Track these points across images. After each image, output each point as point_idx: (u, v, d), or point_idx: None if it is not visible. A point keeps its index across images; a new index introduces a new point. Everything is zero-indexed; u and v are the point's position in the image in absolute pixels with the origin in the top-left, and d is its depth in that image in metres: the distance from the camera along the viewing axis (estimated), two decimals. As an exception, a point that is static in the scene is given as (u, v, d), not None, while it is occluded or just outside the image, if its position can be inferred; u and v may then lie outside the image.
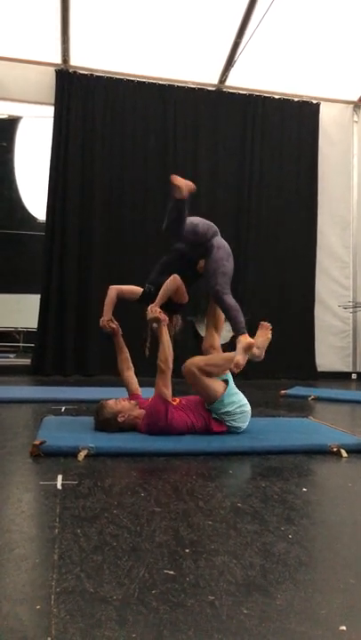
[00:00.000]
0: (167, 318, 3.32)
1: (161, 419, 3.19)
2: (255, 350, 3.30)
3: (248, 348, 3.24)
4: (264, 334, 3.40)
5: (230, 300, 3.36)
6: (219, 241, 3.48)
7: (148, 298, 3.44)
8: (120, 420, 3.25)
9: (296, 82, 6.94)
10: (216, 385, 3.31)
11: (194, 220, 3.46)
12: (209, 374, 3.30)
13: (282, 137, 7.15)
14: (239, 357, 3.22)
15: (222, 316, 3.58)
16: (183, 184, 3.28)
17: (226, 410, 3.30)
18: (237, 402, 3.34)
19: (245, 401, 3.39)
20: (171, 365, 3.23)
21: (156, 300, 3.36)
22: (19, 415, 4.10)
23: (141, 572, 1.60)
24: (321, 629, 1.36)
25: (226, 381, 3.37)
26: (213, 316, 3.61)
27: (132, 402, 3.36)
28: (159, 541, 1.84)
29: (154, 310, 3.30)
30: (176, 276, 3.40)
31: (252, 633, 1.33)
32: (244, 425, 3.36)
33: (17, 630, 1.31)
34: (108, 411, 3.27)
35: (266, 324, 3.43)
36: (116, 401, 3.32)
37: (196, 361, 3.32)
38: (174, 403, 3.29)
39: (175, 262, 3.54)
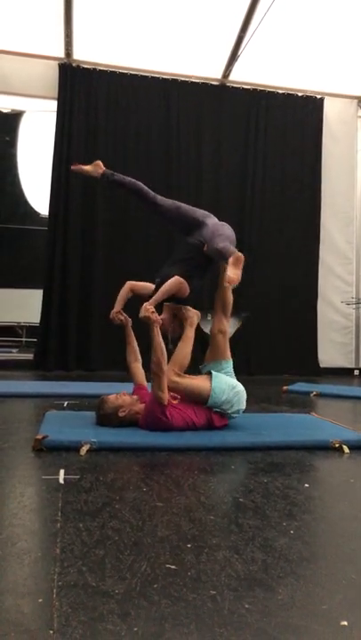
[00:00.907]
0: (160, 320, 3.21)
1: (158, 420, 3.18)
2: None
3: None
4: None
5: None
6: (213, 219, 3.53)
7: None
8: (121, 414, 3.25)
9: (300, 77, 6.91)
10: (201, 382, 3.31)
11: (178, 202, 3.55)
12: (184, 368, 3.30)
13: (285, 132, 7.12)
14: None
15: (231, 300, 3.55)
16: None
17: (223, 399, 3.28)
18: (229, 386, 3.32)
19: (236, 381, 3.38)
20: (164, 368, 3.16)
21: (152, 299, 3.28)
22: (21, 410, 4.11)
23: (143, 567, 1.61)
24: (322, 624, 1.36)
25: (209, 373, 3.35)
26: (222, 301, 3.56)
27: (134, 397, 3.36)
28: (161, 536, 1.84)
29: (147, 309, 3.19)
30: (177, 277, 3.32)
31: (253, 627, 1.33)
32: (243, 405, 3.37)
33: (19, 623, 1.31)
34: (108, 405, 3.27)
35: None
36: (117, 396, 3.32)
37: (169, 371, 3.24)
38: (174, 401, 3.27)
39: (183, 253, 3.52)
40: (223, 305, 3.55)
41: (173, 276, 3.35)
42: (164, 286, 3.32)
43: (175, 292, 3.34)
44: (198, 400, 3.29)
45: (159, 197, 3.57)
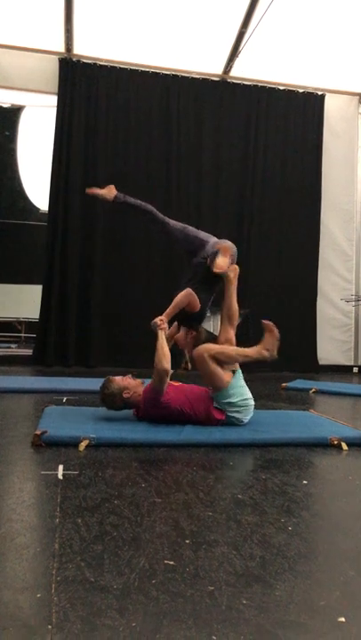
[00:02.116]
0: (167, 328, 3.38)
1: (155, 401, 3.26)
2: (265, 352, 3.40)
3: (225, 250, 3.46)
4: (271, 335, 3.45)
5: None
6: (215, 239, 3.73)
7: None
8: (125, 395, 3.31)
9: (301, 73, 6.89)
10: (223, 374, 3.35)
11: (185, 225, 3.80)
12: (219, 363, 3.34)
13: (286, 128, 7.11)
14: (218, 259, 3.41)
15: (236, 309, 3.62)
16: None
17: (229, 400, 3.32)
18: (242, 394, 3.37)
19: (250, 395, 3.42)
20: (165, 366, 3.22)
21: (165, 313, 3.42)
22: (20, 405, 4.11)
23: (141, 562, 1.61)
24: (320, 620, 1.37)
25: (234, 372, 3.40)
26: (227, 310, 3.62)
27: (138, 380, 3.41)
28: (159, 532, 1.84)
29: (159, 319, 3.36)
30: (188, 289, 3.48)
31: (250, 623, 1.34)
32: (245, 418, 3.37)
33: (18, 618, 1.32)
34: (114, 385, 3.34)
35: (269, 323, 3.45)
36: (123, 378, 3.39)
37: (210, 347, 3.38)
38: (176, 384, 3.37)
39: (189, 274, 3.67)
40: (229, 314, 3.62)
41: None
42: (175, 299, 3.47)
43: (186, 304, 3.47)
44: (210, 384, 3.36)
45: (167, 219, 3.77)
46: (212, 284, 3.63)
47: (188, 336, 3.57)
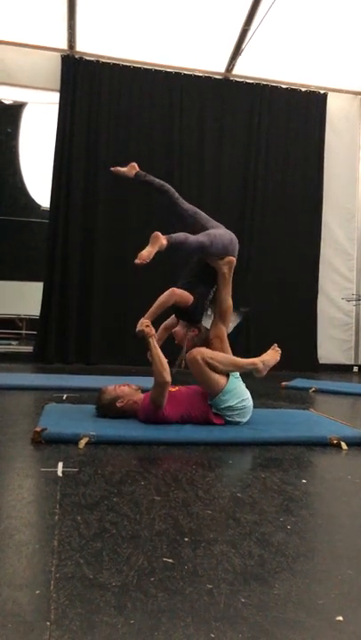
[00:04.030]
0: (154, 333, 3.25)
1: (155, 416, 3.20)
2: (260, 365, 3.37)
3: (154, 239, 3.30)
4: (273, 355, 3.47)
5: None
6: (221, 229, 3.63)
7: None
8: (119, 405, 3.28)
9: (304, 72, 6.87)
10: (218, 378, 3.29)
11: (197, 209, 3.70)
12: (212, 369, 3.27)
13: (288, 127, 7.10)
14: (145, 250, 3.26)
15: (229, 305, 3.56)
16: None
17: (227, 405, 3.28)
18: (239, 396, 3.32)
19: (247, 395, 3.38)
20: (167, 379, 3.13)
21: (147, 314, 3.32)
22: (20, 402, 4.12)
23: (140, 560, 1.61)
24: (318, 619, 1.37)
25: (228, 375, 3.35)
26: (219, 305, 3.56)
27: (133, 386, 3.37)
28: (158, 529, 1.85)
29: (142, 323, 3.23)
30: (172, 289, 3.39)
31: (249, 621, 1.34)
32: (244, 419, 3.35)
33: (17, 615, 1.32)
34: (106, 396, 3.31)
35: (277, 348, 3.51)
36: (116, 386, 3.36)
37: (204, 351, 3.30)
38: (173, 389, 3.29)
39: (192, 263, 3.65)
40: (220, 310, 3.55)
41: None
42: (158, 299, 3.37)
43: (170, 303, 3.38)
44: (205, 389, 3.31)
45: (182, 201, 3.72)
46: (210, 277, 3.53)
47: (189, 333, 3.49)
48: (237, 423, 3.33)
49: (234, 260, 3.53)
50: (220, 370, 3.31)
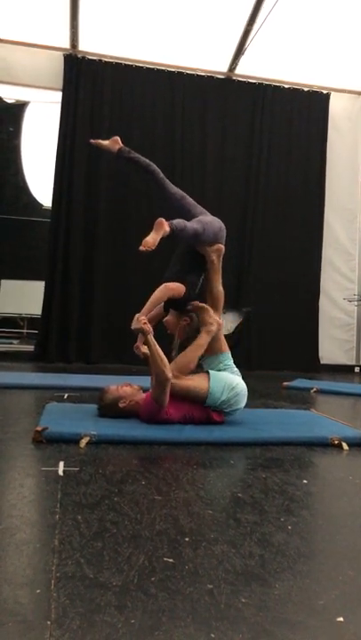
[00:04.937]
0: (151, 330, 3.18)
1: (157, 417, 3.19)
2: (212, 327, 3.28)
3: (157, 226, 3.24)
4: (203, 311, 3.35)
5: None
6: (208, 217, 3.54)
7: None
8: (121, 405, 3.27)
9: (306, 71, 6.87)
10: (198, 382, 3.25)
11: (185, 194, 3.57)
12: (188, 372, 3.24)
13: (290, 127, 7.10)
14: (148, 236, 3.19)
15: (220, 293, 3.50)
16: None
17: (222, 400, 3.27)
18: (229, 385, 3.28)
19: (237, 380, 3.33)
20: (168, 376, 3.10)
21: (142, 310, 3.27)
22: (21, 401, 4.12)
23: (141, 560, 1.61)
24: (318, 620, 1.37)
25: (207, 372, 3.31)
26: (210, 293, 3.52)
27: (135, 386, 3.36)
28: (159, 529, 1.84)
29: (139, 320, 3.19)
30: (165, 284, 3.33)
31: (249, 622, 1.34)
32: (242, 405, 3.34)
33: (17, 613, 1.32)
34: (108, 396, 3.30)
35: (195, 304, 3.36)
36: (118, 387, 3.34)
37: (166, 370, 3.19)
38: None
39: (180, 249, 3.56)
40: (211, 298, 3.50)
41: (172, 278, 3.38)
42: (152, 296, 3.33)
43: (164, 299, 3.34)
44: (196, 400, 3.27)
45: (168, 184, 3.58)
46: (199, 265, 3.48)
47: (181, 322, 3.42)
48: (236, 411, 3.32)
49: (222, 247, 3.47)
50: (193, 365, 3.26)
